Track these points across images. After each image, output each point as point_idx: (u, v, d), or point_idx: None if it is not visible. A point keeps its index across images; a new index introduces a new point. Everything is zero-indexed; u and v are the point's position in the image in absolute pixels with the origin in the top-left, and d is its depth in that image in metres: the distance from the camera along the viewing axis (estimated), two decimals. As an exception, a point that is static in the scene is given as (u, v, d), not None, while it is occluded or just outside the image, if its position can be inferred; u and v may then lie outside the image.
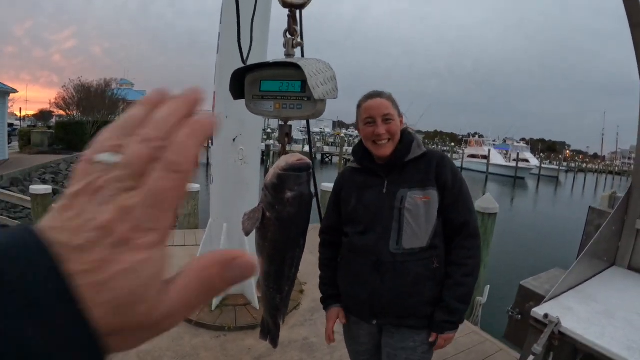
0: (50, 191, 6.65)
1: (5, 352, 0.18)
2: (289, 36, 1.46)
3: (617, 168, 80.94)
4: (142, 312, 0.23)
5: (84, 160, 0.24)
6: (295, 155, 1.30)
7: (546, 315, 1.56)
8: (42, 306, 0.20)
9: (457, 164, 46.49)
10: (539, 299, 1.76)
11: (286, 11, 1.52)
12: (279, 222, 1.31)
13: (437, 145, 67.67)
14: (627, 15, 2.20)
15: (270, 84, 1.38)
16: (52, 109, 37.74)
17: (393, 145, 1.55)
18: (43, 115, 50.29)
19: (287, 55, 1.46)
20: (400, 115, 1.59)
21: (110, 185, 0.23)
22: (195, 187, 6.08)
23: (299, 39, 1.48)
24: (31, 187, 6.51)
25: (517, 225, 15.61)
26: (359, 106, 1.60)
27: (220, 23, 3.38)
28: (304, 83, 1.32)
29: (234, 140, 3.25)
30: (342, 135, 70.37)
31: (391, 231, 1.52)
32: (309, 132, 1.74)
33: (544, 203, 28.53)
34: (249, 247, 3.45)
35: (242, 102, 1.40)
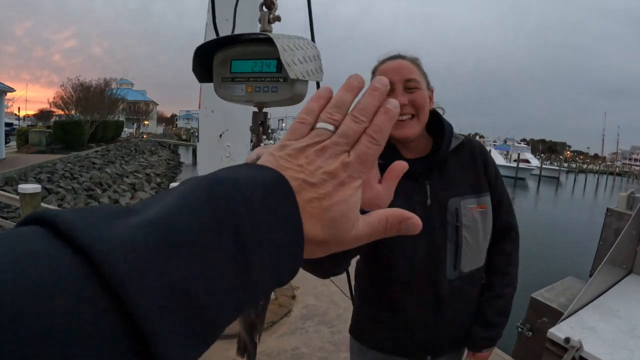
0: (40, 190, 6.43)
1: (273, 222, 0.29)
2: (264, 10, 1.25)
3: (617, 169, 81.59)
4: (345, 229, 0.34)
5: (298, 121, 0.38)
6: (269, 148, 1.09)
7: (568, 340, 1.34)
8: (285, 217, 0.30)
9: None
10: (553, 314, 1.55)
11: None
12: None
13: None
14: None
15: (241, 64, 1.17)
16: (51, 109, 37.65)
17: (419, 126, 1.18)
18: (43, 115, 50.26)
19: (263, 32, 1.24)
20: (429, 88, 1.23)
21: (333, 147, 0.35)
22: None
23: (276, 13, 1.26)
24: (20, 186, 6.31)
25: (520, 227, 15.38)
26: (373, 72, 1.25)
27: (208, 12, 3.19)
28: (280, 62, 1.11)
29: (220, 136, 3.04)
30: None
31: (446, 254, 1.20)
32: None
33: (545, 204, 28.59)
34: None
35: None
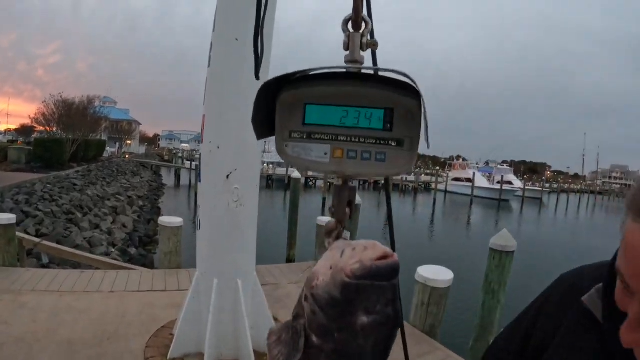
0: (14, 221, 5.87)
1: None
2: (351, 30, 0.81)
3: (598, 187, 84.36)
4: None
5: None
6: (372, 244, 0.64)
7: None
8: None
9: (442, 187, 47.12)
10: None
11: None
12: (338, 358, 0.67)
13: (420, 169, 66.52)
14: None
15: (322, 110, 0.73)
16: (33, 124, 36.93)
17: None
18: (25, 130, 49.22)
19: (351, 61, 0.79)
20: None
21: None
22: (177, 221, 5.28)
23: (369, 37, 0.82)
24: (-9, 216, 5.76)
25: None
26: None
27: (213, 31, 2.79)
28: (390, 112, 0.69)
29: (227, 177, 2.54)
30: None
31: None
32: (387, 195, 1.11)
33: (530, 225, 29.45)
34: (244, 308, 2.76)
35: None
